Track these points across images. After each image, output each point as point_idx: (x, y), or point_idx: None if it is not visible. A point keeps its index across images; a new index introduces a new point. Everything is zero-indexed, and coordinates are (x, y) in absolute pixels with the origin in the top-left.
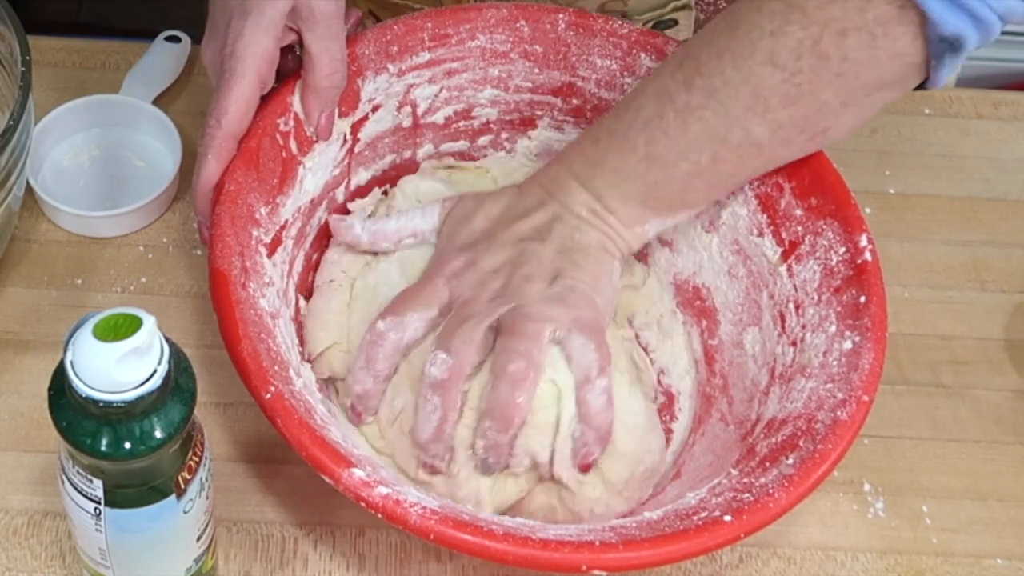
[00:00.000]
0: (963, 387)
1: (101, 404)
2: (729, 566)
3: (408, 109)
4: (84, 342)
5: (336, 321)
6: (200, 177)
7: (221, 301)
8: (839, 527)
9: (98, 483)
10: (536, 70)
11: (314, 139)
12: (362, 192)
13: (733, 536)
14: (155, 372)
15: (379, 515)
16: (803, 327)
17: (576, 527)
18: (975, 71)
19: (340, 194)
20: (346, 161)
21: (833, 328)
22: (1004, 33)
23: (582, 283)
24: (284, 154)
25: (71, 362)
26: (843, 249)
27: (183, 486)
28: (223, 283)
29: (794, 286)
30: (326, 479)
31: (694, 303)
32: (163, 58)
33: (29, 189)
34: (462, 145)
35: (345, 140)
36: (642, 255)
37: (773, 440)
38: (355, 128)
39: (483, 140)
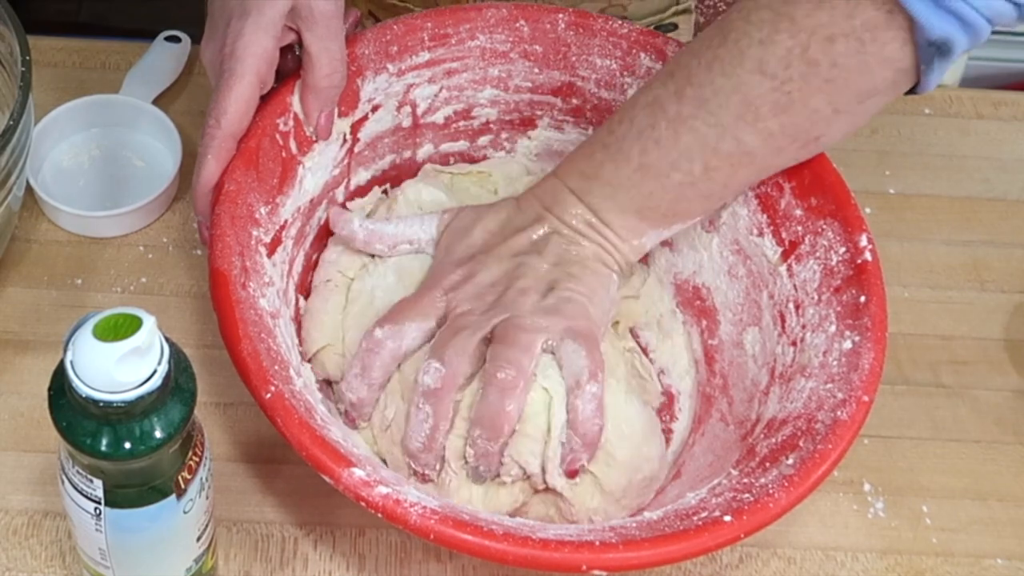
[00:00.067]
0: (963, 387)
1: (101, 404)
2: (729, 566)
3: (408, 109)
4: (84, 342)
5: (332, 322)
6: (200, 177)
7: (221, 301)
8: (839, 527)
9: (98, 483)
10: (536, 70)
11: (314, 139)
12: (362, 192)
13: (733, 536)
14: (155, 372)
15: (379, 515)
16: (803, 327)
17: (576, 527)
18: (975, 71)
19: (340, 194)
20: (346, 161)
21: (833, 328)
22: (1004, 33)
23: (577, 294)
24: (284, 154)
25: (71, 362)
26: (843, 249)
27: (183, 486)
28: (223, 283)
29: (794, 286)
30: (326, 479)
31: (694, 303)
32: (163, 58)
33: (29, 189)
34: (462, 145)
35: (345, 140)
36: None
37: (773, 440)
38: (355, 128)
39: (483, 140)
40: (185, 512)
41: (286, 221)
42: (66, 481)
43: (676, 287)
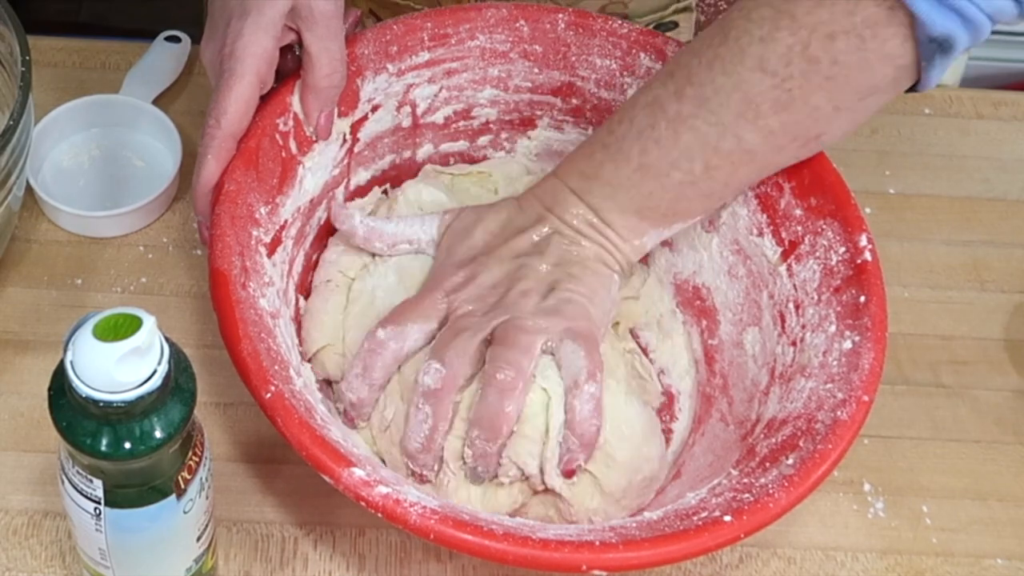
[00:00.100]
0: (963, 387)
1: (101, 404)
2: (729, 566)
3: (408, 109)
4: (84, 342)
5: (332, 322)
6: (200, 177)
7: (221, 301)
8: (839, 527)
9: (98, 483)
10: (536, 70)
11: (313, 139)
12: (362, 192)
13: (733, 536)
14: (155, 372)
15: (379, 515)
16: (803, 327)
17: (576, 527)
18: (975, 71)
19: (340, 194)
20: (346, 161)
21: (833, 328)
22: (1004, 33)
23: (578, 294)
24: (284, 154)
25: (71, 362)
26: (843, 249)
27: (183, 486)
28: (223, 283)
29: (794, 286)
30: (326, 479)
31: (694, 303)
32: (163, 58)
33: (29, 189)
34: (462, 145)
35: (344, 140)
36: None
37: (773, 440)
38: (354, 128)
39: (483, 140)
40: (185, 512)
41: (286, 221)
42: (66, 481)
43: (676, 287)
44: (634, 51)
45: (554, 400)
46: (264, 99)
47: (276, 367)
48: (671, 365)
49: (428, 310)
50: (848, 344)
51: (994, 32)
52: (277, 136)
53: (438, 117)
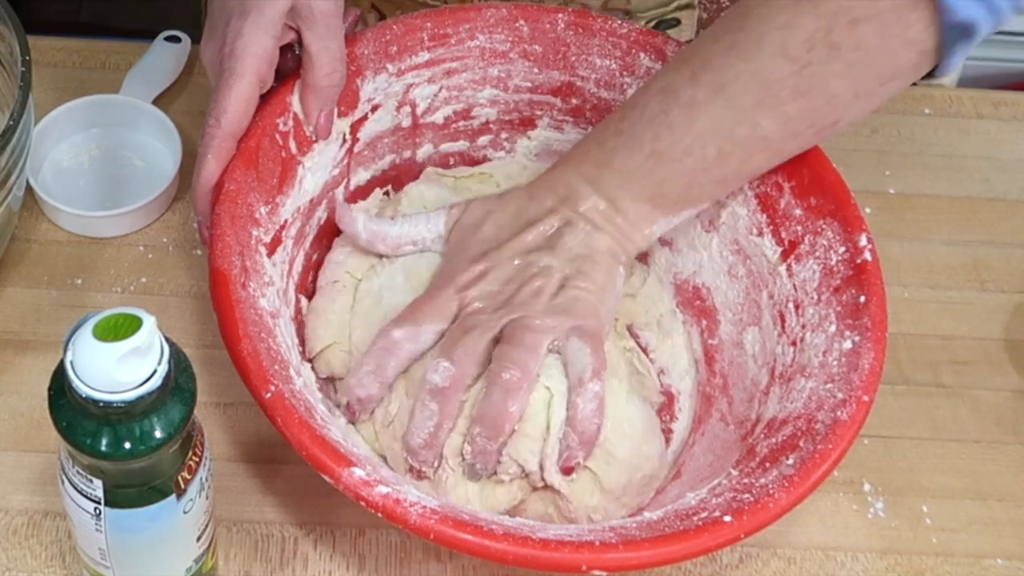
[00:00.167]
0: (963, 387)
1: (101, 404)
2: (729, 566)
3: (407, 109)
4: (84, 342)
5: (338, 321)
6: (200, 177)
7: (221, 301)
8: (839, 527)
9: (98, 483)
10: (535, 70)
11: (313, 139)
12: (362, 192)
13: (733, 536)
14: (155, 372)
15: (379, 515)
16: (803, 327)
17: (576, 527)
18: (975, 71)
19: (340, 194)
20: (345, 161)
21: (833, 328)
22: (1004, 33)
23: (588, 292)
24: (283, 154)
25: (71, 362)
26: (843, 249)
27: (183, 486)
28: (223, 283)
29: (794, 286)
30: (326, 478)
31: (694, 303)
32: (163, 58)
33: (29, 189)
34: (462, 145)
35: (344, 140)
36: (642, 255)
37: (773, 440)
38: (354, 128)
39: (483, 140)
40: (185, 512)
41: (286, 221)
42: (66, 481)
43: (676, 287)
44: (634, 51)
45: (556, 398)
46: (264, 99)
47: (276, 367)
48: (671, 365)
49: (443, 309)
50: (848, 344)
51: (994, 32)
52: (277, 136)
53: (438, 117)
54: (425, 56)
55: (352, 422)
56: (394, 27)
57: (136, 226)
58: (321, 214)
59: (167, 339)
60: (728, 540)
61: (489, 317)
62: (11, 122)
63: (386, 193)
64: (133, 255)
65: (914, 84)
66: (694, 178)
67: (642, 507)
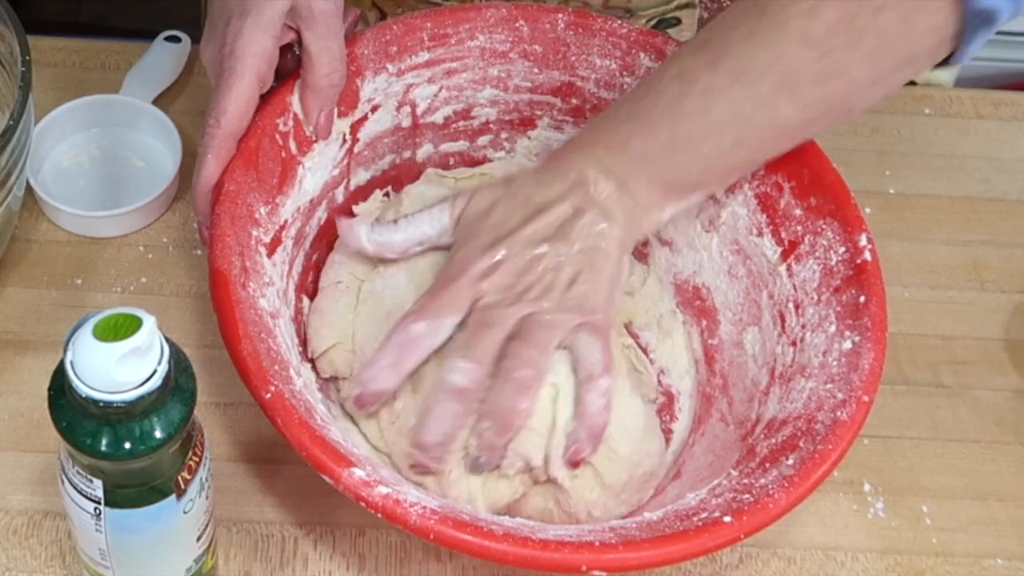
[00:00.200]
0: (963, 387)
1: (101, 404)
2: (729, 566)
3: (407, 109)
4: (84, 342)
5: (342, 321)
6: (200, 177)
7: (221, 301)
8: (839, 527)
9: (98, 483)
10: (535, 70)
11: (313, 139)
12: (363, 192)
13: (733, 537)
14: (155, 372)
15: (379, 515)
16: (803, 327)
17: (576, 527)
18: (975, 71)
19: (340, 194)
20: (345, 161)
21: (833, 328)
22: (1004, 33)
23: (598, 286)
24: (283, 154)
25: (71, 362)
26: (843, 249)
27: (183, 486)
28: (223, 283)
29: (794, 286)
30: (326, 479)
31: (694, 303)
32: (163, 58)
33: (29, 189)
34: (462, 145)
35: (344, 140)
36: (642, 255)
37: (773, 440)
38: (354, 128)
39: (482, 140)
40: (185, 512)
41: (286, 221)
42: (66, 481)
43: (676, 287)
44: (634, 51)
45: (561, 394)
46: (264, 99)
47: (276, 367)
48: (671, 365)
49: (459, 301)
50: (848, 344)
51: (1014, 18)
52: (277, 136)
53: (438, 117)
54: (425, 56)
55: (362, 411)
56: (394, 27)
57: (136, 226)
58: (321, 214)
59: (167, 339)
60: (728, 540)
61: (503, 312)
62: (11, 122)
63: (386, 194)
64: (133, 255)
65: (914, 84)
66: (709, 164)
67: (641, 505)
